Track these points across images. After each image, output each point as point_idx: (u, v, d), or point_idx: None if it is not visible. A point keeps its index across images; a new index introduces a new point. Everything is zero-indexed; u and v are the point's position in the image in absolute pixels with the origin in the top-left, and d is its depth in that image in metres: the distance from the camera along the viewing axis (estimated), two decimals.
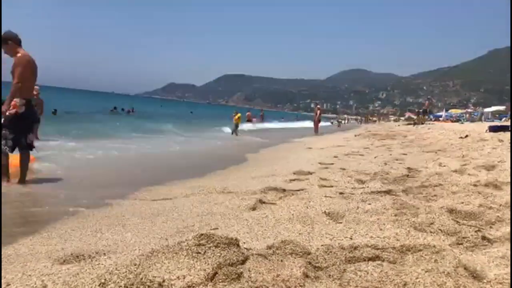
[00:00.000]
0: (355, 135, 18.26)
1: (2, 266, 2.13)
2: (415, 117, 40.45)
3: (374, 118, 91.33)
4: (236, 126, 19.69)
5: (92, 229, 3.18)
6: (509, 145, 7.65)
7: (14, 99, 5.02)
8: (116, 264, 1.91)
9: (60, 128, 14.33)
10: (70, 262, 2.15)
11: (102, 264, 1.99)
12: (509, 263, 1.93)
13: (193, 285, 1.74)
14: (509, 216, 2.77)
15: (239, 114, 20.43)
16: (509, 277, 1.77)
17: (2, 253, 2.43)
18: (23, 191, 4.91)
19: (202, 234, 2.13)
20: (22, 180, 5.19)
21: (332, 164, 6.64)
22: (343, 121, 65.97)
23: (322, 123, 28.51)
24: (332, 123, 55.89)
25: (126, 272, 1.80)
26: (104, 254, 2.26)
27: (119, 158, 9.10)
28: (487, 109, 44.09)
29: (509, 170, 4.54)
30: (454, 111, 58.22)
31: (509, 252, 2.06)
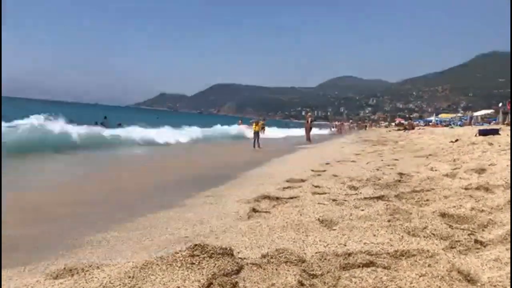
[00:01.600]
0: (347, 142, 18.33)
1: None
2: (405, 122, 40.76)
3: (363, 124, 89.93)
4: (257, 135, 17.46)
5: (84, 242, 3.15)
6: (499, 148, 7.73)
7: None
8: (110, 277, 1.90)
9: None
10: (63, 277, 2.12)
11: (96, 278, 1.96)
12: (502, 265, 1.95)
13: None
14: (501, 219, 2.79)
15: (261, 122, 18.98)
16: (503, 280, 1.78)
17: None
18: None
19: (196, 245, 2.12)
20: None
21: (325, 171, 6.65)
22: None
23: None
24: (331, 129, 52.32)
25: (120, 285, 1.79)
26: (98, 267, 2.23)
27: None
28: (476, 113, 44.59)
29: (500, 173, 4.58)
30: (444, 116, 58.81)
31: (502, 254, 2.07)
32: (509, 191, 3.62)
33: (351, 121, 73.06)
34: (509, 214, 2.88)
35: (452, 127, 33.33)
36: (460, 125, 37.85)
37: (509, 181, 3.95)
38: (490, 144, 8.99)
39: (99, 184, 6.70)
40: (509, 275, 1.81)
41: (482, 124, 34.35)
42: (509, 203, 3.15)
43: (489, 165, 5.35)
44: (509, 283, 1.75)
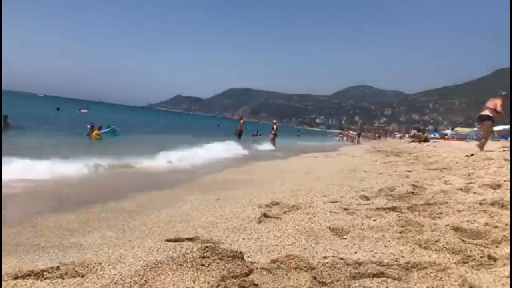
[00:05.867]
0: (361, 152, 18.23)
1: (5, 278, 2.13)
2: (419, 133, 40.34)
3: (370, 134, 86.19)
4: None
5: (95, 238, 3.18)
6: None
7: None
8: (121, 274, 1.92)
9: None
10: (75, 272, 2.14)
11: (107, 274, 1.99)
12: None
13: None
14: None
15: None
16: None
17: (2, 264, 2.42)
18: None
19: (206, 246, 2.13)
20: None
21: (337, 179, 6.63)
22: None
23: None
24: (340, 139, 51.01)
25: (131, 282, 1.81)
26: (109, 264, 2.26)
27: None
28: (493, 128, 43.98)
29: None
30: (460, 130, 58.08)
31: None
32: None
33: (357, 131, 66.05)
34: None
35: (468, 141, 32.92)
36: (476, 140, 37.37)
37: None
38: (506, 160, 8.85)
39: None
40: None
41: (499, 139, 33.87)
42: None
43: (504, 180, 5.27)
44: None
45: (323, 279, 2.00)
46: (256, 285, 1.86)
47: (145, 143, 18.53)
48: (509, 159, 8.60)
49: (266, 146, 23.61)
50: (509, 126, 42.20)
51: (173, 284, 1.83)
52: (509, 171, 6.25)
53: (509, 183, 5.06)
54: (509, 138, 31.02)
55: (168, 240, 2.91)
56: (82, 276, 2.03)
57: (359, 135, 56.13)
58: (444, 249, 2.54)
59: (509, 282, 1.93)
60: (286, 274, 2.01)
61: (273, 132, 25.33)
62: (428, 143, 28.06)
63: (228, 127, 25.44)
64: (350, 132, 65.18)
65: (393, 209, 3.88)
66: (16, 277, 2.04)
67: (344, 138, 54.54)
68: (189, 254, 2.10)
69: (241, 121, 26.08)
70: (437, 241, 2.65)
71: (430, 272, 2.08)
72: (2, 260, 2.47)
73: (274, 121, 27.38)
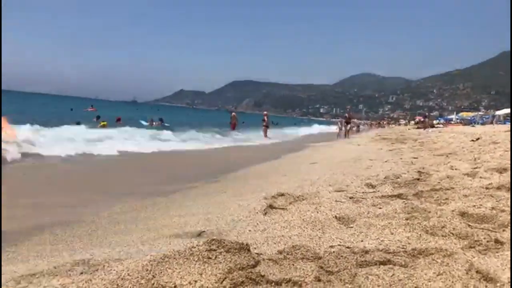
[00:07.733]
0: (366, 140, 18.17)
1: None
2: (426, 120, 40.11)
3: (378, 122, 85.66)
4: None
5: (102, 234, 3.20)
6: None
7: None
8: (128, 270, 1.92)
9: None
10: (82, 269, 2.16)
11: (114, 270, 2.00)
12: None
13: None
14: None
15: None
16: None
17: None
18: None
19: (213, 239, 2.14)
20: None
21: (343, 168, 6.62)
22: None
23: None
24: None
25: (138, 277, 1.81)
26: (116, 260, 2.27)
27: None
28: (498, 112, 43.75)
29: None
30: (465, 114, 57.82)
31: None
32: None
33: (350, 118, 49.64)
34: None
35: (473, 126, 32.79)
36: (482, 124, 37.22)
37: None
38: None
39: None
40: None
41: (505, 123, 33.70)
42: None
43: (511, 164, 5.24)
44: None
45: (329, 268, 2.00)
46: (263, 276, 1.87)
47: None
48: None
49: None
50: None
51: (180, 277, 1.83)
52: None
53: None
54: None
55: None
56: (90, 273, 2.04)
57: (347, 123, 29.93)
58: (451, 234, 2.53)
59: None
60: (293, 265, 2.02)
61: (264, 124, 25.41)
62: (433, 129, 27.94)
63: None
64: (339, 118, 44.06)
65: (399, 196, 3.87)
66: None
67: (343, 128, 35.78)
68: (195, 247, 2.10)
69: (233, 114, 28.29)
70: (443, 227, 2.64)
71: (437, 258, 2.08)
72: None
73: (265, 112, 27.27)
